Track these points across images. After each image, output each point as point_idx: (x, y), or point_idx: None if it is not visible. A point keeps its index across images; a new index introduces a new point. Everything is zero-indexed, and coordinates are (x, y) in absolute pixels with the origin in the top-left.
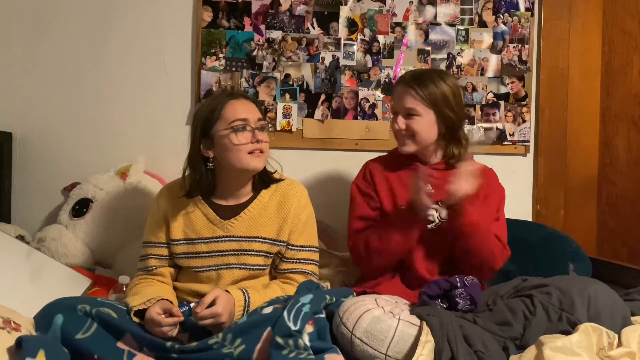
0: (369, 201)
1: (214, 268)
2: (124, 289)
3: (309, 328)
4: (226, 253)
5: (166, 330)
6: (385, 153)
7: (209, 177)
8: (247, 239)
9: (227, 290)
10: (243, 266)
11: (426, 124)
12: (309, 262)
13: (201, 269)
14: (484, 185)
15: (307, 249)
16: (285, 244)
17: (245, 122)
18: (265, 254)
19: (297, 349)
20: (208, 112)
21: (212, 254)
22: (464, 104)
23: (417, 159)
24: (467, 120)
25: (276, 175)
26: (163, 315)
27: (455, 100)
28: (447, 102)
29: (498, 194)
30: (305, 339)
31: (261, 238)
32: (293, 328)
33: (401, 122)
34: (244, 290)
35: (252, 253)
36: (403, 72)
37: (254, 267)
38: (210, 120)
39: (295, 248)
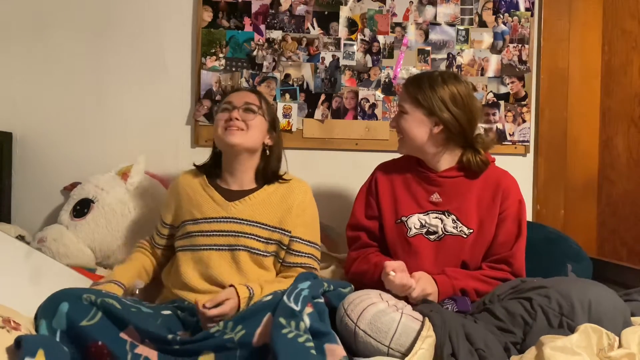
0: (367, 210)
1: (214, 248)
2: (136, 292)
3: (309, 309)
4: (226, 234)
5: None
6: (393, 154)
7: (217, 158)
8: (248, 223)
9: (232, 285)
10: (243, 248)
11: (412, 122)
12: (314, 257)
13: (203, 247)
14: (500, 202)
15: (312, 244)
16: (288, 234)
17: (228, 104)
18: (265, 240)
19: (297, 330)
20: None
21: (214, 233)
22: (473, 108)
23: (424, 165)
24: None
25: (285, 177)
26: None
27: (457, 103)
28: (444, 103)
29: (514, 209)
30: (306, 320)
31: (261, 224)
32: (295, 308)
33: (393, 120)
34: (249, 287)
35: (252, 237)
36: (403, 72)
37: (253, 250)
38: (218, 110)
39: (303, 242)
